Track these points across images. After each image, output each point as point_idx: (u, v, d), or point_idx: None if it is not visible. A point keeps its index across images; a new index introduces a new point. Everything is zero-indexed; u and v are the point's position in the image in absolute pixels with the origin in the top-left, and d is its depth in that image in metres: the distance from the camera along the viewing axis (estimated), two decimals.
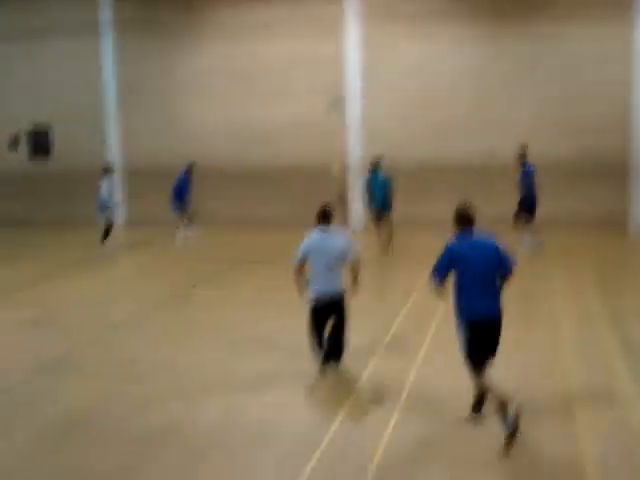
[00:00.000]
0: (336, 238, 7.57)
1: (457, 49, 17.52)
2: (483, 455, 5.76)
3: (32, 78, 20.36)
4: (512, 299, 7.07)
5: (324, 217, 7.54)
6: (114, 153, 19.85)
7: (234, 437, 6.31)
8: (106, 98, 19.82)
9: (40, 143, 20.60)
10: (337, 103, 18.12)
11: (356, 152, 18.16)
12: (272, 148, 18.54)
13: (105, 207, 15.73)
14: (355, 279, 7.57)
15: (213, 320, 10.18)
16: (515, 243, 12.44)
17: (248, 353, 8.52)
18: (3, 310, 11.11)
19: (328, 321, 7.57)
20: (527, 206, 14.06)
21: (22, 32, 19.99)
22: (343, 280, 7.55)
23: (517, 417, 5.77)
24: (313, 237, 7.54)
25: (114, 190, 16.87)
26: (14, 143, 20.71)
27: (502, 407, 5.85)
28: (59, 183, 20.34)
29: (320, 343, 7.62)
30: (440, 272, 6.22)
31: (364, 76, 17.92)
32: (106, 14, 19.46)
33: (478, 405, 6.41)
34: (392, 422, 6.43)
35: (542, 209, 14.16)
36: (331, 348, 7.59)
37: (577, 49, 16.70)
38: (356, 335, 8.09)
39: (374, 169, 14.71)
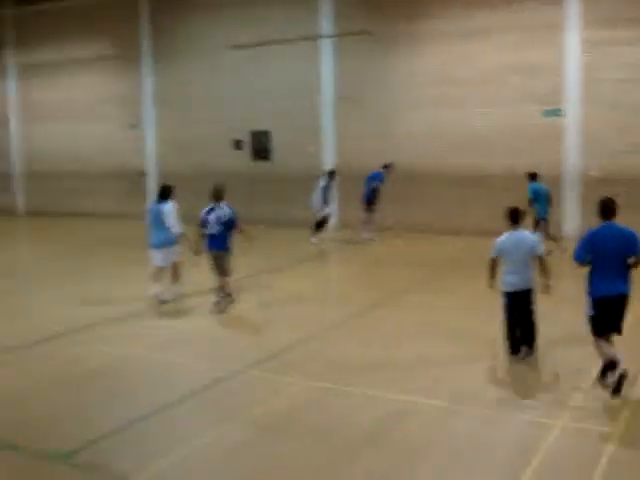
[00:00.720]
0: (525, 235, 8.56)
1: None
2: None
3: (256, 84, 21.74)
4: None
5: (514, 216, 8.51)
6: (328, 158, 20.73)
7: (452, 439, 6.55)
8: (323, 106, 20.69)
9: (261, 146, 21.96)
10: (554, 113, 17.71)
11: (572, 161, 17.61)
12: (482, 155, 18.45)
13: (320, 207, 17.40)
14: (546, 273, 8.37)
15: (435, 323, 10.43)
16: None
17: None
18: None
19: (519, 312, 8.52)
20: None
21: (250, 40, 21.43)
22: (533, 274, 8.46)
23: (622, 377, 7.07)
24: (505, 235, 8.56)
25: (332, 192, 18.27)
26: (238, 146, 22.26)
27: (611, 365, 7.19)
28: (276, 184, 21.60)
29: (513, 332, 8.60)
30: (580, 255, 7.46)
31: (583, 82, 17.32)
32: (327, 27, 20.35)
33: (604, 374, 7.38)
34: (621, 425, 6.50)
35: None
36: (524, 336, 8.55)
37: None
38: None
39: (534, 179, 15.46)
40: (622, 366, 7.20)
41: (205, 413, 7.46)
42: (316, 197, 17.76)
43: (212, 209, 11.40)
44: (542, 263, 8.42)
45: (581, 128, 17.46)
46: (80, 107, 25.61)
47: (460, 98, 18.66)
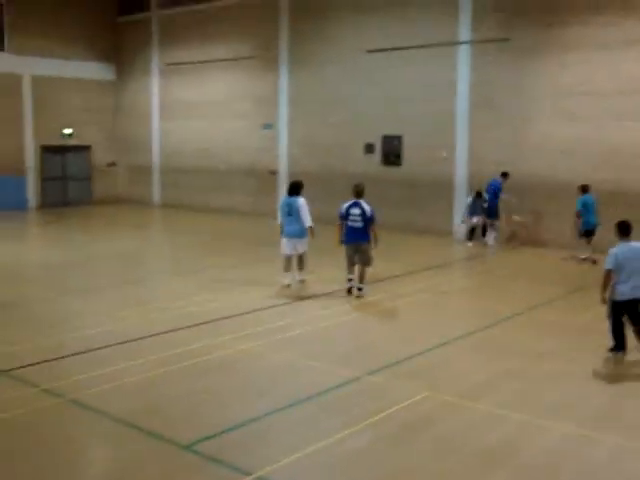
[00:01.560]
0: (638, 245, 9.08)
1: None
2: None
3: (390, 89, 21.71)
4: None
5: (625, 229, 9.09)
6: (460, 165, 20.43)
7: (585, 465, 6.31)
8: (457, 112, 20.40)
9: (391, 151, 21.90)
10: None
11: None
12: (620, 170, 17.64)
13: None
14: None
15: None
16: None
17: None
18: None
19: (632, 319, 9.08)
20: None
21: (386, 44, 21.43)
22: None
23: None
24: (619, 247, 9.02)
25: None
26: (369, 150, 22.31)
27: None
28: (406, 189, 21.48)
29: (622, 337, 9.14)
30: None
31: None
32: (464, 33, 20.05)
33: None
34: None
35: None
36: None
37: None
38: None
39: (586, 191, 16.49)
40: None
41: (333, 414, 7.49)
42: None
43: (355, 203, 12.49)
44: None
45: None
46: (216, 106, 26.43)
47: (600, 110, 17.88)
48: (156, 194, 29.10)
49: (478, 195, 19.02)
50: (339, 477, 6.19)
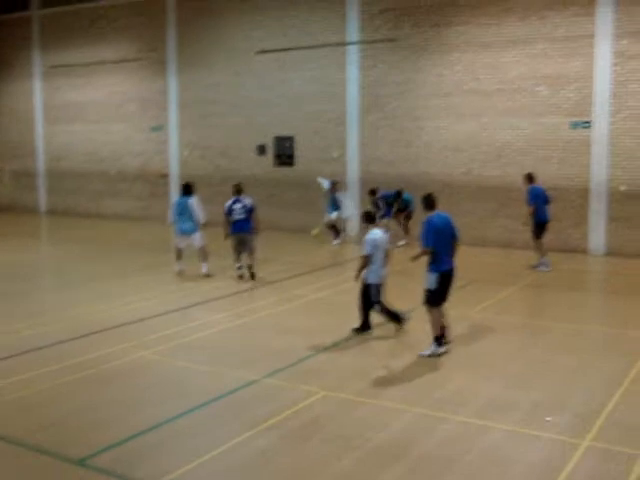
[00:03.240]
0: None
1: None
2: None
3: (281, 90, 21.73)
4: None
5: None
6: (351, 164, 20.68)
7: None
8: (348, 112, 20.62)
9: (283, 151, 21.93)
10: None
11: (598, 173, 17.38)
12: (507, 166, 18.32)
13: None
14: None
15: None
16: None
17: None
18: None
19: None
20: None
21: (275, 45, 21.44)
22: None
23: None
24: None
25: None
26: (262, 152, 22.24)
27: None
28: (300, 190, 21.54)
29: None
30: None
31: (612, 94, 17.12)
32: (353, 34, 20.29)
33: None
34: None
35: None
36: None
37: None
38: None
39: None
40: None
41: (232, 418, 7.39)
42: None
43: (236, 200, 14.15)
44: None
45: (609, 140, 17.23)
46: (104, 108, 25.73)
47: (485, 108, 18.52)
48: (42, 200, 28.02)
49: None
50: (246, 476, 6.12)
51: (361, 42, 20.21)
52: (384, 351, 9.82)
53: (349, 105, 20.59)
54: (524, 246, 16.78)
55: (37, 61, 27.43)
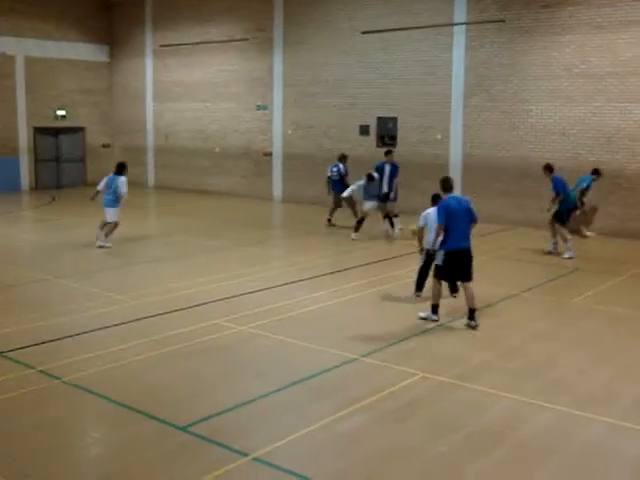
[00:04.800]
0: None
1: None
2: None
3: (384, 69, 21.62)
4: None
5: None
6: (453, 147, 20.43)
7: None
8: (453, 93, 20.34)
9: (386, 132, 21.85)
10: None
11: None
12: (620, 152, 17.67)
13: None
14: None
15: None
16: None
17: None
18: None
19: None
20: None
21: (381, 26, 21.32)
22: None
23: None
24: None
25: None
26: (365, 132, 22.25)
27: None
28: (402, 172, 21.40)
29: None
30: None
31: None
32: (460, 14, 19.94)
33: None
34: None
35: None
36: None
37: None
38: None
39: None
40: None
41: (325, 397, 7.52)
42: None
43: (335, 165, 18.74)
44: None
45: None
46: (210, 87, 26.29)
47: (595, 92, 17.86)
48: (151, 176, 28.97)
49: (370, 178, 17.14)
50: (336, 455, 6.24)
51: (468, 23, 19.84)
52: (484, 338, 9.73)
53: (454, 87, 20.29)
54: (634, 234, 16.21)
55: (149, 40, 28.26)
